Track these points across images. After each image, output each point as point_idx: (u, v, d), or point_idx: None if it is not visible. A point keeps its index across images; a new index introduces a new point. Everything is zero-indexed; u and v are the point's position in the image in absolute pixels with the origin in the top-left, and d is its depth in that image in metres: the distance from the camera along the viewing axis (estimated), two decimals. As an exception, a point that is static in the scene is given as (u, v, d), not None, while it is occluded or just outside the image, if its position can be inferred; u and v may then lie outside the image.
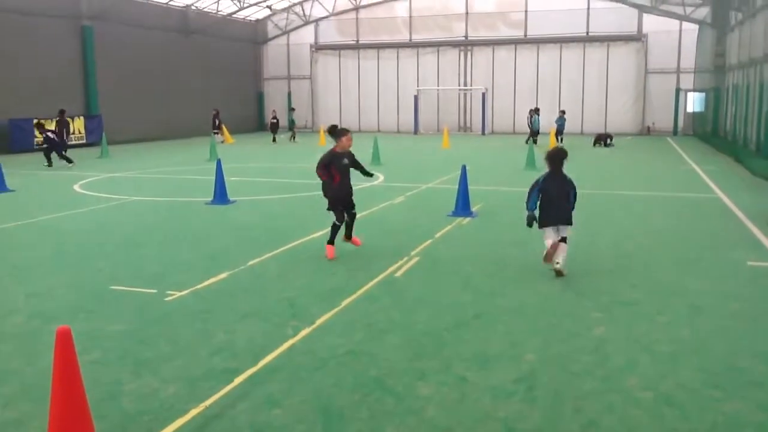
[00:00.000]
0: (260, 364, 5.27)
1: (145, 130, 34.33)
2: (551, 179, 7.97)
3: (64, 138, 22.09)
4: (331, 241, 8.86)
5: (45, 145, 21.39)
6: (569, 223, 7.99)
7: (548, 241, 7.87)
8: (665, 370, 5.16)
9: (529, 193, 8.00)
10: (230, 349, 5.63)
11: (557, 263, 7.76)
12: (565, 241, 7.91)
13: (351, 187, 8.91)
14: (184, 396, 4.73)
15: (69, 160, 21.05)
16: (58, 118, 22.69)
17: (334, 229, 8.87)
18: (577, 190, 8.13)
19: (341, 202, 8.79)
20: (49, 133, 21.16)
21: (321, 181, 8.84)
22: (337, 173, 8.66)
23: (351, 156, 8.90)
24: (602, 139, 29.88)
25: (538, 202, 7.95)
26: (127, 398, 4.71)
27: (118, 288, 7.49)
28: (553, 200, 7.93)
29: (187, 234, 10.67)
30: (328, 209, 8.86)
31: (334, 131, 8.84)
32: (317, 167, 8.73)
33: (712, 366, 5.24)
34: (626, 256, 9.02)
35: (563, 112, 31.19)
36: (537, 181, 8.01)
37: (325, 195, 8.85)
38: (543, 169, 8.39)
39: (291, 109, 37.41)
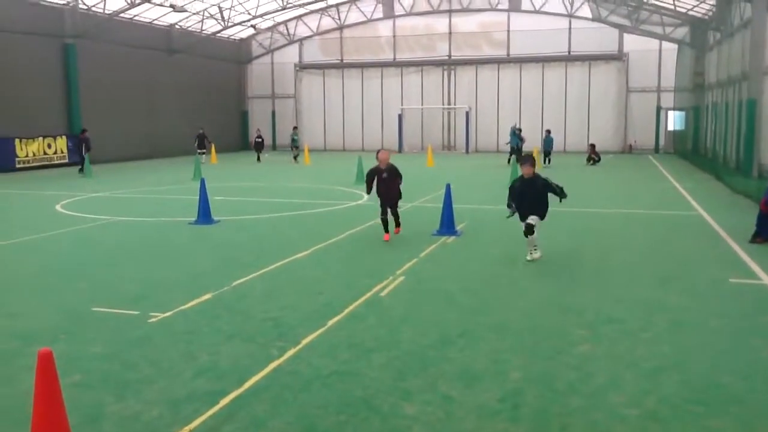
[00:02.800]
0: (245, 386, 5.23)
1: (129, 149, 34.21)
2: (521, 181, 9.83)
3: (82, 153, 26.49)
4: (384, 230, 11.46)
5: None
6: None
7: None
8: (649, 386, 5.19)
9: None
10: (214, 370, 5.59)
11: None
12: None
13: (393, 192, 11.29)
14: (167, 418, 4.68)
15: (81, 170, 25.96)
16: (80, 136, 27.60)
17: (381, 221, 11.40)
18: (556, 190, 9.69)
19: (382, 202, 11.37)
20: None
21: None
22: (379, 182, 11.35)
23: (391, 169, 11.27)
24: (594, 154, 30.16)
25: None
26: (109, 421, 4.66)
27: (100, 309, 7.42)
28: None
29: (170, 254, 10.60)
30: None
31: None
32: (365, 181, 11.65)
33: (695, 382, 5.28)
34: (610, 273, 9.08)
35: (549, 132, 31.22)
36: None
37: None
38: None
39: (294, 128, 37.07)
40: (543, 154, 29.75)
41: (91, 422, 4.63)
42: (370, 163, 22.31)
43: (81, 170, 26.13)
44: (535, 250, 9.73)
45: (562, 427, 4.53)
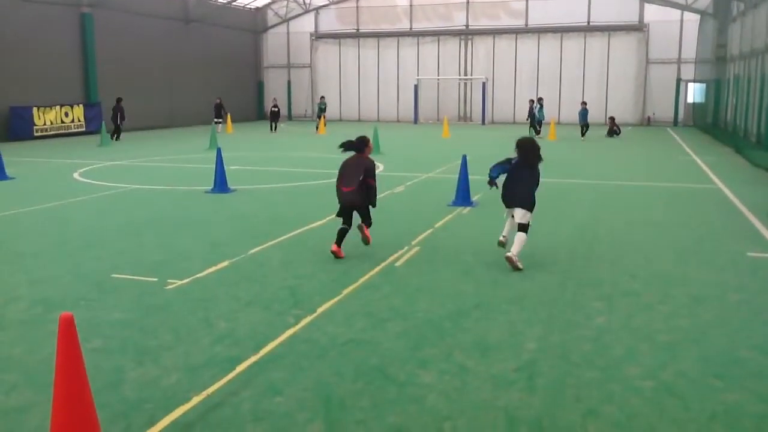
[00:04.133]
0: (262, 353, 5.28)
1: (145, 118, 34.24)
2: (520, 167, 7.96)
3: (118, 122, 27.26)
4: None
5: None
6: (522, 206, 7.87)
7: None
8: (665, 359, 5.18)
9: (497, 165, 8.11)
10: (232, 337, 5.65)
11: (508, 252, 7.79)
12: (524, 230, 7.82)
13: None
14: (185, 384, 4.75)
15: (117, 137, 27.19)
16: (114, 105, 27.75)
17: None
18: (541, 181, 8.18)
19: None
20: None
21: (362, 192, 8.27)
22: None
23: None
24: (614, 127, 29.79)
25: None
26: (128, 386, 4.73)
27: (118, 276, 7.50)
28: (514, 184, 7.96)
29: (187, 222, 10.67)
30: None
31: (353, 145, 8.36)
32: (374, 178, 8.37)
33: (712, 356, 5.26)
34: (627, 246, 9.03)
35: (585, 104, 30.00)
36: (509, 161, 8.03)
37: (373, 201, 8.50)
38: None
39: (321, 97, 36.93)
40: (581, 127, 29.24)
41: (111, 387, 4.70)
42: (386, 134, 21.96)
43: (117, 137, 27.19)
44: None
45: (576, 397, 4.55)
